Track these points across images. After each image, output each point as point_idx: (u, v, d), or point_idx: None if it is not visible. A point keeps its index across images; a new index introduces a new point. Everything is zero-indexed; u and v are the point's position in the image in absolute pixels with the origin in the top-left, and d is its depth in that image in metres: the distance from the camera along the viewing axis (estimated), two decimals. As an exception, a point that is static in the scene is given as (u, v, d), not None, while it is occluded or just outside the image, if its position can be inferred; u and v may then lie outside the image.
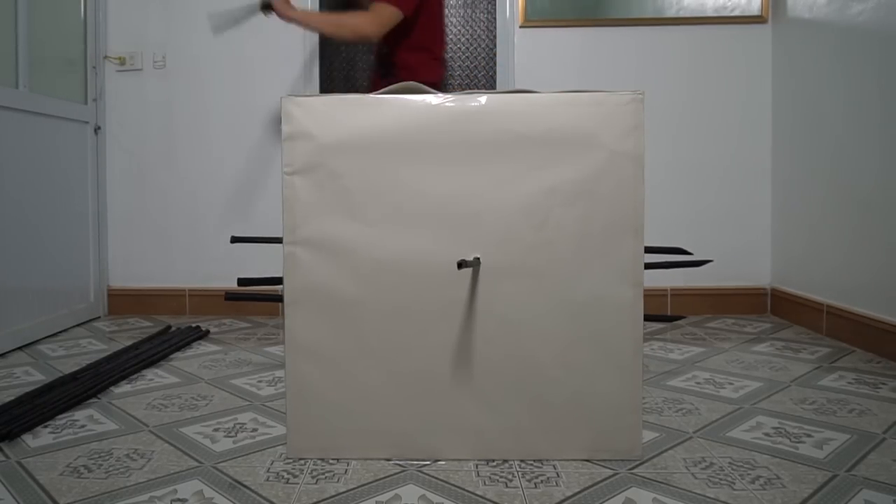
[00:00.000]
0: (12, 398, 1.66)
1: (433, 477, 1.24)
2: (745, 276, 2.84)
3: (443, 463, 1.31)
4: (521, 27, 2.82)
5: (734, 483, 1.21)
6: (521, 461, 1.31)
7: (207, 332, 2.50)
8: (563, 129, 1.29)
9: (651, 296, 2.80)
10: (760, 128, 2.82)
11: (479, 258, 1.29)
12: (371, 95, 1.32)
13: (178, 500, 1.16)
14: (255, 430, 1.49)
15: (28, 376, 1.92)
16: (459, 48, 2.94)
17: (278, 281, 1.76)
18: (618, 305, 1.29)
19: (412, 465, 1.30)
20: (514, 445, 1.32)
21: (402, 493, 1.18)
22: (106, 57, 2.85)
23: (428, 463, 1.31)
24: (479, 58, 2.93)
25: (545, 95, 1.30)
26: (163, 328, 2.53)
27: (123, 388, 1.81)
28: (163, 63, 2.86)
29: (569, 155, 1.29)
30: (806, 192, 2.56)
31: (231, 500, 1.15)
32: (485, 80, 2.95)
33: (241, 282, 1.90)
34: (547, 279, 1.29)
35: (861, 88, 2.21)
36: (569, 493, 1.17)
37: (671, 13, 2.79)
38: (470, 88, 2.94)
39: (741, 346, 2.26)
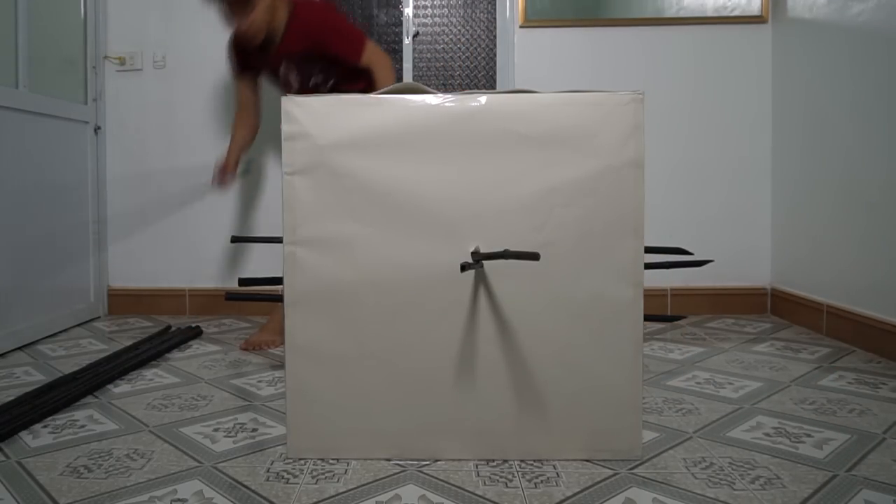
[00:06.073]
0: (12, 398, 1.66)
1: (433, 477, 1.24)
2: (745, 276, 2.84)
3: (443, 463, 1.30)
4: (521, 27, 2.82)
5: (734, 483, 1.21)
6: (521, 461, 1.31)
7: (205, 332, 2.49)
8: (564, 129, 1.29)
9: (651, 296, 2.80)
10: (761, 127, 2.82)
11: (481, 260, 1.29)
12: (371, 95, 1.32)
13: (178, 500, 1.16)
14: (255, 430, 1.49)
15: (28, 376, 1.92)
16: (459, 48, 2.94)
17: (278, 281, 1.76)
18: (618, 305, 1.29)
19: (412, 465, 1.30)
20: (514, 445, 1.32)
21: (402, 493, 1.18)
22: (106, 57, 2.85)
23: (428, 463, 1.31)
24: (479, 58, 2.93)
25: (545, 95, 1.30)
26: (163, 328, 2.53)
27: (123, 387, 1.81)
28: (163, 63, 2.86)
29: (569, 155, 1.29)
30: (806, 192, 2.56)
31: (231, 500, 1.15)
32: (485, 80, 2.94)
33: (242, 282, 1.90)
34: (547, 279, 1.29)
35: (863, 88, 2.21)
36: (569, 493, 1.17)
37: (671, 13, 2.79)
38: (470, 88, 2.95)
39: (741, 346, 2.26)
